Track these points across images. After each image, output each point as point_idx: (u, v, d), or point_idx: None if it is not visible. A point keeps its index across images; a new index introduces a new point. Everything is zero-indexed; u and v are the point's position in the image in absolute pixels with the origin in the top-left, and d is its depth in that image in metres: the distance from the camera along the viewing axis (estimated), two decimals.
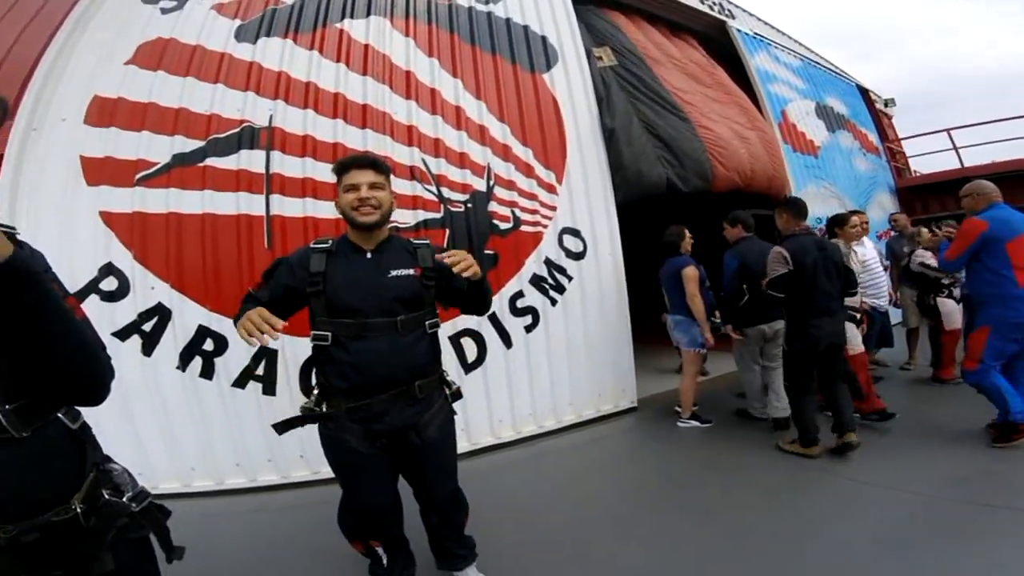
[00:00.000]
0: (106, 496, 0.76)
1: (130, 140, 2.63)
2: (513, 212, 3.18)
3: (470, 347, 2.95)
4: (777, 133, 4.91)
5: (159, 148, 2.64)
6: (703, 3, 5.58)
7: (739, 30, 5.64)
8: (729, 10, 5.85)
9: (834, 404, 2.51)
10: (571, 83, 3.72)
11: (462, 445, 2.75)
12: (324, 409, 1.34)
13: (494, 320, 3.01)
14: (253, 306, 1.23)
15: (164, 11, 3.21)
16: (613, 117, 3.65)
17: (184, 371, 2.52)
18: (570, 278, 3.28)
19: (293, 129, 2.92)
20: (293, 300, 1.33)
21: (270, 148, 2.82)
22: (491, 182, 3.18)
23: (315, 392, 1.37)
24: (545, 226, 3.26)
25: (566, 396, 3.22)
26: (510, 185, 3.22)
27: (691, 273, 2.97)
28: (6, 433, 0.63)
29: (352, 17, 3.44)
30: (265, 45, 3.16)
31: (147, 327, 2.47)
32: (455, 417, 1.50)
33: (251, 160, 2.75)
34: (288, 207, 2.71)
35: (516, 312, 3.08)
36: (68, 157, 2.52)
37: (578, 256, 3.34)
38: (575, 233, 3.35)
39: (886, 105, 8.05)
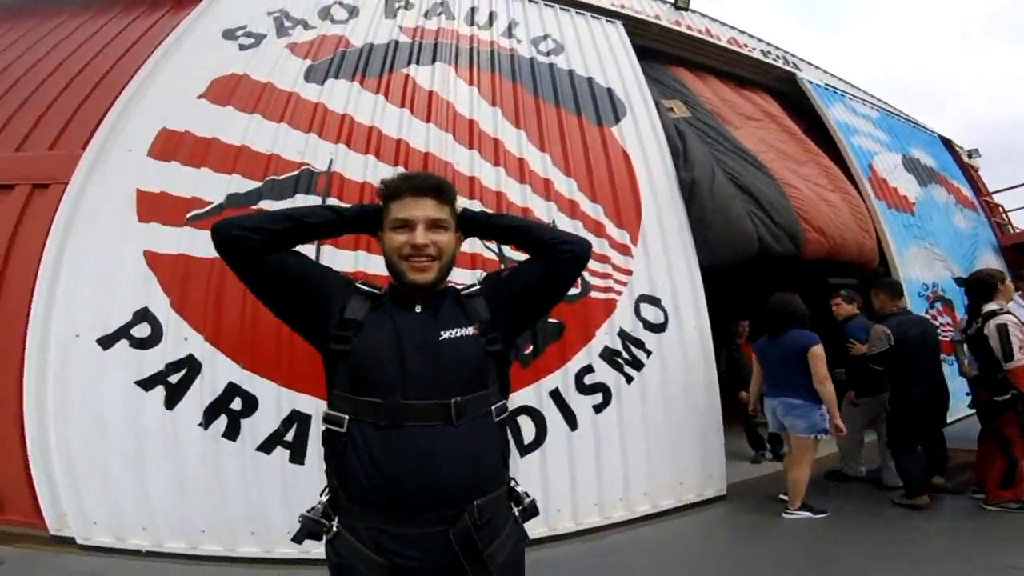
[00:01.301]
0: None
1: (187, 176, 2.58)
2: (581, 276, 2.89)
3: (527, 427, 2.59)
4: (869, 189, 4.49)
5: (215, 186, 2.57)
6: (767, 56, 5.45)
7: (811, 81, 5.41)
8: (794, 63, 5.68)
9: (927, 449, 2.85)
10: (642, 136, 3.53)
11: None
12: (333, 525, 0.91)
13: (557, 398, 2.65)
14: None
15: (242, 47, 3.31)
16: (692, 168, 3.36)
17: (207, 429, 2.30)
18: (648, 353, 2.88)
19: (352, 175, 2.81)
20: (304, 297, 0.96)
21: (327, 194, 2.70)
22: None
23: (324, 497, 0.94)
24: (619, 292, 2.92)
25: (641, 484, 2.78)
26: None
27: (821, 353, 2.63)
28: None
29: (418, 63, 3.47)
30: (332, 87, 3.17)
31: (174, 379, 2.29)
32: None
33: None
34: (340, 261, 2.53)
35: (584, 390, 2.72)
36: (127, 189, 2.48)
37: (658, 328, 2.95)
38: (654, 301, 2.99)
39: (970, 156, 7.47)
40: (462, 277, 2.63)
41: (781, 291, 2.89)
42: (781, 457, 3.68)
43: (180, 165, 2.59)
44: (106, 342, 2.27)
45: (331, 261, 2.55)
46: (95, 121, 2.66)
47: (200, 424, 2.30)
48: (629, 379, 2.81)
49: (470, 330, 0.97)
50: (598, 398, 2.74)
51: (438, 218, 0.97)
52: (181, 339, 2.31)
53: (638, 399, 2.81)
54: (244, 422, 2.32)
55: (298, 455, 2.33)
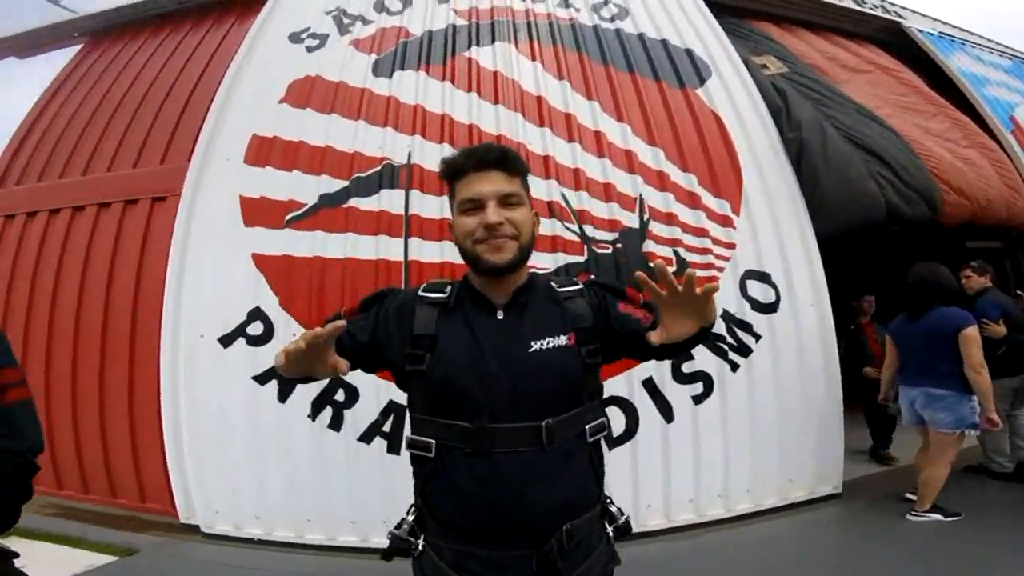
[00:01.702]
0: None
1: (282, 180, 2.67)
2: (676, 253, 2.66)
3: (617, 418, 2.46)
4: (1014, 143, 3.81)
5: (308, 188, 2.65)
6: (862, 5, 4.76)
7: (921, 30, 4.68)
8: (895, 11, 4.93)
9: None
10: (733, 96, 3.19)
11: None
12: (419, 544, 0.86)
13: (651, 388, 2.50)
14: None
15: (309, 49, 3.36)
16: (798, 127, 2.99)
17: (314, 420, 2.43)
18: (758, 336, 2.61)
19: (430, 166, 2.78)
20: (378, 361, 0.91)
21: (409, 187, 2.71)
22: (645, 216, 2.71)
23: (410, 516, 0.89)
24: (721, 269, 2.66)
25: (743, 480, 2.59)
26: (670, 219, 2.71)
27: (975, 335, 2.29)
28: None
29: (478, 45, 3.35)
30: (400, 79, 3.14)
31: None
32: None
33: (391, 201, 2.64)
34: (427, 251, 2.55)
35: (682, 379, 2.55)
36: (231, 197, 2.62)
37: (768, 308, 2.66)
38: (763, 278, 2.69)
39: None
40: (542, 262, 2.54)
41: (921, 261, 2.50)
42: (883, 459, 3.34)
43: (274, 170, 2.69)
44: (226, 341, 2.44)
45: (418, 254, 2.58)
46: (194, 133, 2.83)
47: (308, 416, 2.42)
48: (735, 367, 2.58)
49: (564, 339, 0.86)
50: (698, 388, 2.56)
51: (509, 192, 0.85)
52: (290, 335, 2.41)
53: (744, 389, 2.58)
54: (347, 413, 2.41)
55: (395, 445, 2.40)
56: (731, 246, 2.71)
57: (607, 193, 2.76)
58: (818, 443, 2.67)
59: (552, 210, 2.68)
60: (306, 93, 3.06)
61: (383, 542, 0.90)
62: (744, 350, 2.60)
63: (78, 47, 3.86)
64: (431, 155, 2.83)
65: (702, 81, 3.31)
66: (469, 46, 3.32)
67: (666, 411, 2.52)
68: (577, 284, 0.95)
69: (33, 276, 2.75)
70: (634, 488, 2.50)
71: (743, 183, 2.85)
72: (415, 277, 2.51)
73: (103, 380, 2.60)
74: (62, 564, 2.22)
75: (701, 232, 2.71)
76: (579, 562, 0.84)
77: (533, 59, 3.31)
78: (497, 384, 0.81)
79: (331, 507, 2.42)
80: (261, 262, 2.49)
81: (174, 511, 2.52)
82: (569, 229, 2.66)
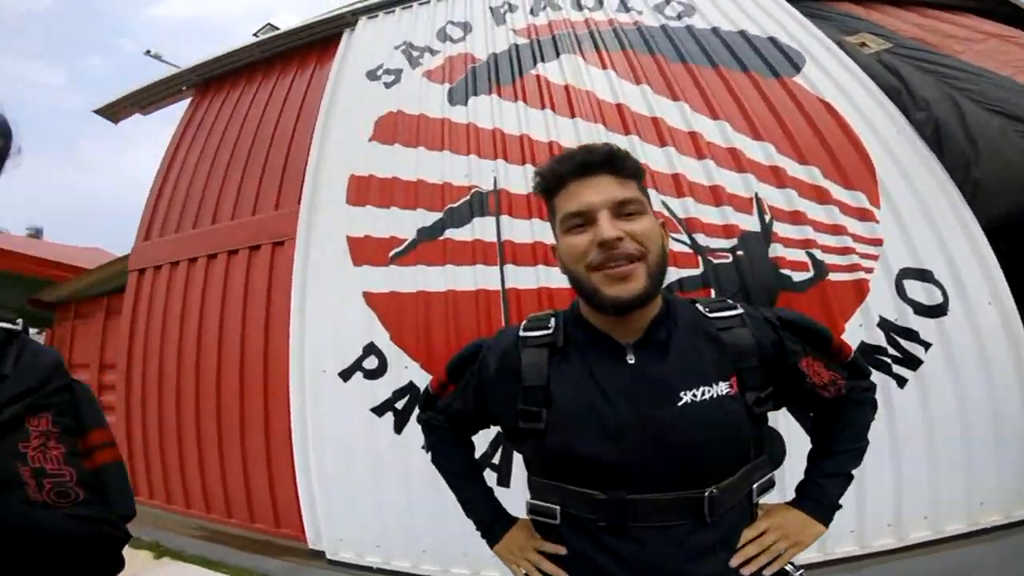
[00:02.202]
0: None
1: (382, 217, 2.83)
2: (811, 255, 2.40)
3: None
4: None
5: (406, 224, 2.78)
6: None
7: None
8: None
9: None
10: (838, 81, 2.89)
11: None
12: None
13: (799, 412, 2.21)
14: (437, 434, 0.94)
15: (387, 85, 3.53)
16: (926, 106, 2.66)
17: (428, 452, 2.56)
18: (926, 345, 2.29)
19: (516, 190, 2.82)
20: (491, 421, 0.85)
21: (499, 213, 2.76)
22: (766, 217, 2.48)
23: None
24: (869, 270, 2.37)
25: (920, 506, 2.30)
26: (797, 218, 2.47)
27: None
28: None
29: (543, 61, 3.37)
30: (476, 104, 3.22)
31: (399, 405, 2.55)
32: None
33: (484, 229, 2.71)
34: (522, 278, 2.58)
35: None
36: (339, 237, 2.81)
37: (935, 311, 2.32)
38: (923, 276, 2.36)
39: None
40: None
41: None
42: None
43: (373, 208, 2.87)
44: (345, 375, 2.63)
45: (514, 281, 2.62)
46: (300, 176, 3.08)
47: (423, 447, 2.53)
48: (901, 382, 2.28)
49: (724, 386, 0.68)
50: None
51: (625, 198, 0.67)
52: (402, 368, 2.56)
53: (916, 404, 2.28)
54: None
55: (504, 478, 2.38)
56: (877, 242, 2.42)
57: (715, 196, 2.59)
58: (1019, 458, 2.27)
59: None
60: (391, 129, 3.22)
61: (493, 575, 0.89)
62: (911, 362, 2.30)
63: (187, 100, 4.33)
64: (515, 178, 2.86)
65: (796, 68, 3.05)
66: (535, 63, 3.35)
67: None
68: (734, 308, 0.75)
69: (182, 317, 3.16)
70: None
71: (876, 171, 2.55)
72: (513, 304, 2.54)
73: (243, 412, 2.89)
74: None
75: (838, 229, 2.44)
76: None
77: (604, 67, 3.25)
78: (637, 448, 0.65)
79: (445, 538, 2.43)
80: (371, 300, 2.66)
81: (303, 537, 2.68)
82: (677, 240, 2.50)
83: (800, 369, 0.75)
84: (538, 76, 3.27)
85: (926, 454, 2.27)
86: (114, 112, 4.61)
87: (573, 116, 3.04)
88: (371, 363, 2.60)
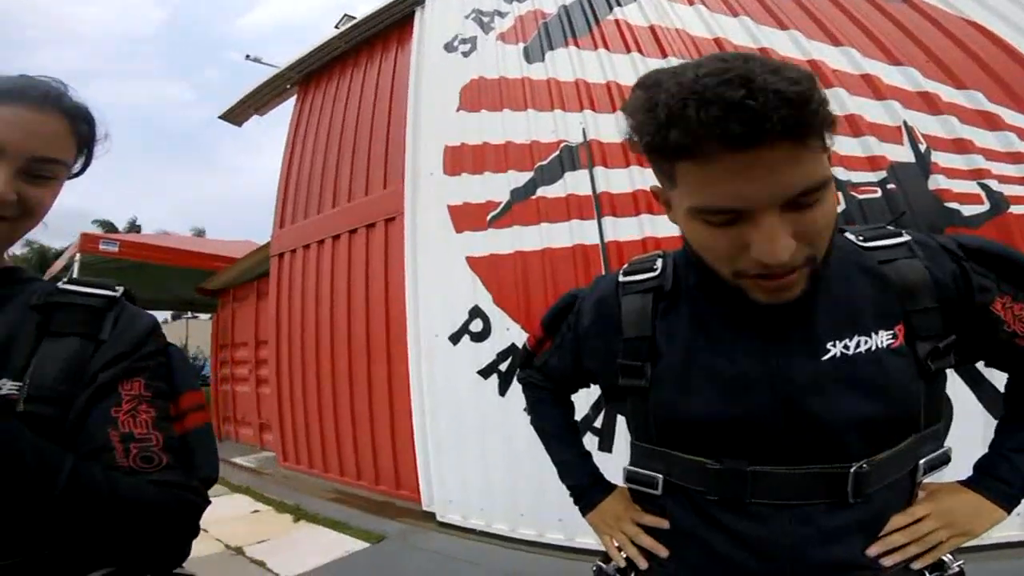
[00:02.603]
0: None
1: (477, 183, 2.92)
2: (984, 186, 2.04)
3: None
4: None
5: (499, 187, 2.83)
6: None
7: None
8: None
9: None
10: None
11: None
12: None
13: (969, 371, 1.85)
14: (536, 393, 0.83)
15: (464, 55, 3.56)
16: None
17: (528, 413, 2.68)
18: None
19: (608, 139, 2.71)
20: (593, 378, 0.74)
21: (592, 165, 2.70)
22: (922, 147, 2.14)
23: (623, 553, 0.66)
24: None
25: None
26: (962, 146, 2.09)
27: None
28: None
29: (620, 5, 3.10)
30: (553, 59, 3.12)
31: (503, 367, 2.64)
32: None
33: (576, 183, 2.66)
34: (623, 229, 2.50)
35: None
36: (440, 207, 2.98)
37: None
38: None
39: None
40: None
41: None
42: None
43: (468, 175, 2.98)
44: (455, 338, 2.80)
45: (613, 233, 2.57)
46: (401, 155, 3.30)
47: (525, 410, 2.67)
48: None
49: (886, 336, 0.52)
50: None
51: (808, 187, 0.43)
52: (504, 329, 2.66)
53: None
54: None
55: (606, 442, 2.34)
56: None
57: (852, 126, 2.25)
58: None
59: None
60: (475, 96, 3.27)
61: (587, 543, 0.80)
62: None
63: (293, 98, 4.84)
64: (606, 127, 2.73)
65: None
66: (610, 9, 3.13)
67: (990, 402, 1.88)
68: (899, 235, 0.57)
69: (316, 295, 3.69)
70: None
71: None
72: (614, 258, 2.49)
73: (370, 380, 3.25)
74: (330, 548, 2.63)
75: (1018, 157, 2.03)
76: None
77: (691, 3, 2.94)
78: (763, 410, 0.53)
79: (542, 503, 2.40)
80: (474, 264, 2.79)
81: (419, 498, 2.88)
82: None
83: (993, 312, 0.56)
84: (617, 21, 3.07)
85: None
86: (235, 116, 5.30)
87: (665, 56, 2.81)
88: (476, 326, 2.76)
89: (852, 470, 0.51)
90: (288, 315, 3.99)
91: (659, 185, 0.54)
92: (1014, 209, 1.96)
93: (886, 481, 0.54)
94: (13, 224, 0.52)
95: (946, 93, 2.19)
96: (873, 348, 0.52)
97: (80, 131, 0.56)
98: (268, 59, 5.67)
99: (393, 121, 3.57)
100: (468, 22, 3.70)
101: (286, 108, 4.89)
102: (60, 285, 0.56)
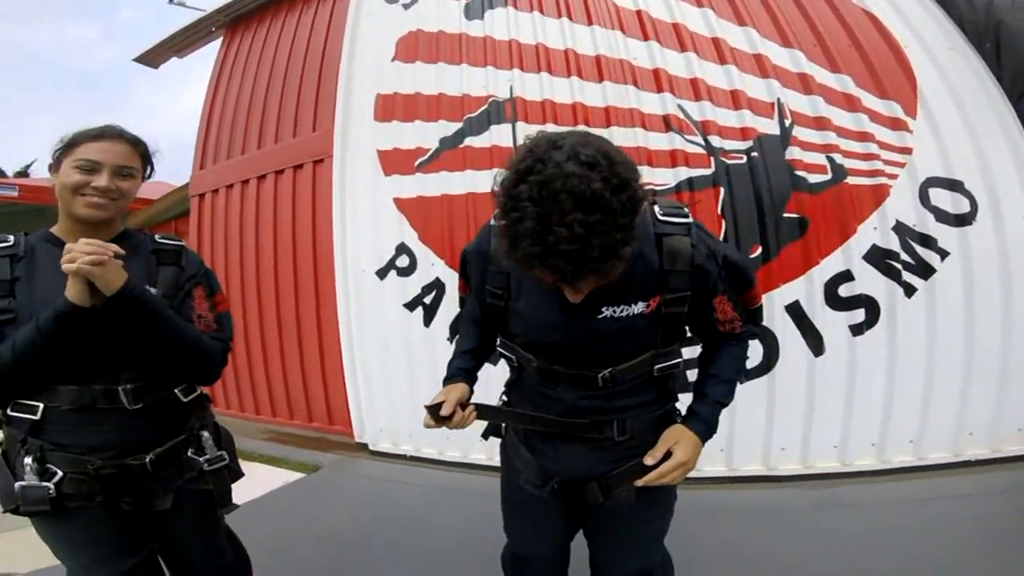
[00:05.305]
0: (188, 454, 1.08)
1: (407, 131, 3.15)
2: (830, 159, 2.48)
3: (753, 347, 2.32)
4: None
5: (429, 135, 3.09)
6: None
7: None
8: None
9: None
10: None
11: (716, 469, 2.43)
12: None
13: (797, 314, 2.39)
14: (464, 323, 1.17)
15: (405, 6, 3.69)
16: (977, 10, 2.57)
17: (452, 343, 2.98)
18: (943, 253, 2.33)
19: (532, 96, 3.03)
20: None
21: (515, 120, 3.00)
22: (787, 122, 2.58)
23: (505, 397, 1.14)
24: (893, 176, 2.43)
25: (907, 429, 2.34)
26: (821, 124, 2.54)
27: None
28: (121, 404, 0.98)
29: None
30: (491, 18, 3.33)
31: (428, 300, 2.97)
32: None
33: (500, 135, 2.96)
34: None
35: (838, 304, 2.37)
36: (370, 151, 3.18)
37: (961, 220, 2.34)
38: (953, 185, 2.39)
39: None
40: (661, 176, 2.65)
41: None
42: None
43: (399, 123, 3.18)
44: (381, 273, 3.07)
45: None
46: (333, 99, 3.42)
47: (448, 339, 2.89)
48: (910, 290, 2.32)
49: (641, 306, 0.88)
50: (858, 315, 2.34)
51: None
52: (429, 265, 2.97)
53: (922, 318, 2.30)
54: None
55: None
56: (906, 151, 2.47)
57: (735, 100, 2.69)
58: (1021, 392, 2.27)
59: (668, 123, 2.70)
60: (412, 48, 3.44)
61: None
62: (924, 269, 2.32)
63: (219, 40, 4.68)
64: (531, 86, 3.05)
65: None
66: None
67: (815, 342, 2.36)
68: (686, 216, 0.89)
69: (240, 235, 3.71)
70: (767, 426, 2.42)
71: (917, 82, 2.55)
72: None
73: (299, 318, 3.42)
74: (268, 481, 2.81)
75: (865, 137, 2.50)
76: (625, 456, 0.96)
77: None
78: (560, 341, 0.93)
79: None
80: (401, 204, 3.05)
81: (351, 432, 3.11)
82: (690, 141, 2.65)
83: (713, 304, 0.93)
84: None
85: (923, 373, 2.31)
86: (152, 58, 5.06)
87: (591, 23, 3.13)
88: (403, 261, 3.03)
89: (600, 374, 0.93)
90: (211, 254, 3.98)
91: None
92: (850, 180, 2.46)
93: (628, 377, 0.94)
94: (117, 203, 1.01)
95: (821, 76, 2.64)
96: (629, 315, 0.88)
97: (141, 150, 1.06)
98: (192, 3, 5.35)
99: (326, 66, 3.66)
100: None
101: (211, 50, 4.72)
102: (157, 238, 1.12)
